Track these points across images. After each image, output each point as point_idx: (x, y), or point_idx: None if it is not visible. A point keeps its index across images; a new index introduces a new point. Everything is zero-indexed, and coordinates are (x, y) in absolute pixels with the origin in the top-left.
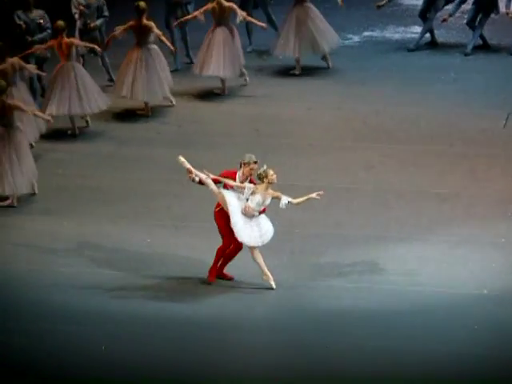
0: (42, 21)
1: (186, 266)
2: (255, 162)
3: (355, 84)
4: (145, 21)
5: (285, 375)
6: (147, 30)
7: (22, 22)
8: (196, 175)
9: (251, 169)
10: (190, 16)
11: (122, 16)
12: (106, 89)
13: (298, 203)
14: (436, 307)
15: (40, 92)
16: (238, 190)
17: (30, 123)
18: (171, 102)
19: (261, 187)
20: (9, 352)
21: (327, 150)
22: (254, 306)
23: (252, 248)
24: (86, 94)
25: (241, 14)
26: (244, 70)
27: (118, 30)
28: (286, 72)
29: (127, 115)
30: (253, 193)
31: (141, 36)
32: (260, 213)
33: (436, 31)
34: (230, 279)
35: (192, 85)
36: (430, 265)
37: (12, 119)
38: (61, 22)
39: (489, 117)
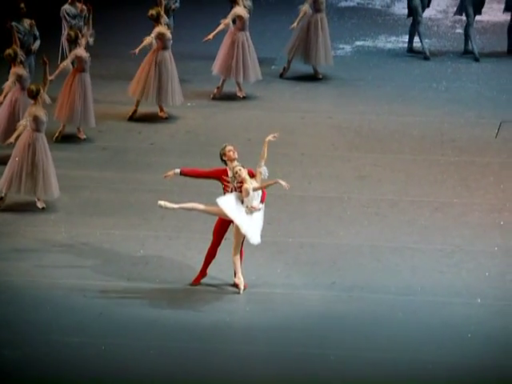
0: (33, 30)
1: (179, 277)
2: (228, 145)
3: (348, 93)
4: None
5: None
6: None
7: (21, 35)
8: (182, 208)
9: (230, 150)
10: None
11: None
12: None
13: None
14: (429, 316)
15: None
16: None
17: None
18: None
19: (244, 189)
20: (5, 363)
21: (320, 160)
22: (247, 316)
23: (236, 249)
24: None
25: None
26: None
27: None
28: (277, 81)
29: (119, 125)
30: (245, 196)
31: None
32: (262, 202)
33: (427, 40)
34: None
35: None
36: (423, 274)
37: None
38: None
39: (481, 126)
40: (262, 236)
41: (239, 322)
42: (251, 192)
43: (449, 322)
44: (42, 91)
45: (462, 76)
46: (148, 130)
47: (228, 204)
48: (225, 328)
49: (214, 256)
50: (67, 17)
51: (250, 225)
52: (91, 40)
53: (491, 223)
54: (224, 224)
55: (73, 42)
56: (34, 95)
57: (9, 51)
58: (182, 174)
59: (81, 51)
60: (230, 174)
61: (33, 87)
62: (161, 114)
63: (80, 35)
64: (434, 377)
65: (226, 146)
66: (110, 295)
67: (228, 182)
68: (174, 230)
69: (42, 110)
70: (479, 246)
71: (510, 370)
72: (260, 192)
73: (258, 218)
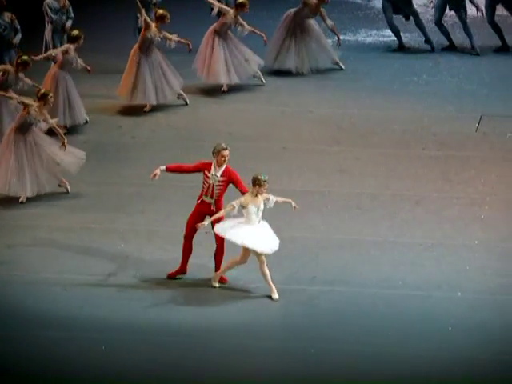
0: (14, 23)
1: (160, 271)
2: (225, 149)
3: (328, 87)
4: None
5: (256, 380)
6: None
7: (1, 29)
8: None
9: (222, 156)
10: None
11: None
12: None
13: (280, 202)
14: (410, 310)
15: None
16: (229, 210)
17: None
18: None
19: (248, 197)
20: None
21: (301, 154)
22: (226, 311)
23: (261, 258)
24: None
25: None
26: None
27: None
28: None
29: (100, 119)
30: (243, 207)
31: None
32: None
33: (408, 34)
34: (224, 281)
35: None
36: (403, 267)
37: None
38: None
39: (461, 120)
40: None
41: (218, 317)
42: (236, 206)
43: (429, 316)
44: (50, 98)
45: (443, 70)
46: (129, 124)
47: (222, 228)
48: (205, 323)
49: (191, 251)
50: (49, 11)
51: (255, 237)
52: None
53: (472, 217)
54: (198, 218)
55: (72, 41)
56: (39, 97)
57: (25, 58)
58: (167, 170)
59: (72, 49)
60: (212, 170)
61: (43, 91)
62: (146, 107)
63: (82, 38)
64: (415, 370)
65: (222, 149)
66: (90, 289)
67: (208, 178)
68: (155, 224)
69: (38, 114)
70: (459, 239)
71: (489, 362)
72: (261, 207)
73: (264, 226)
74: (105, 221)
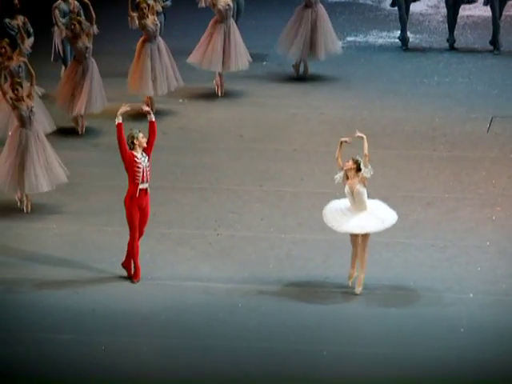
0: (27, 26)
1: (171, 273)
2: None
3: (339, 89)
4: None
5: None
6: None
7: (13, 32)
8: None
9: (143, 137)
10: None
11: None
12: None
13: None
14: (421, 311)
15: None
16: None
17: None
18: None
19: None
20: None
21: (312, 156)
22: (239, 312)
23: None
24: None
25: None
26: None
27: None
28: (269, 77)
29: (110, 122)
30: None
31: None
32: None
33: (419, 35)
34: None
35: (176, 91)
36: (415, 269)
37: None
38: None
39: (472, 121)
40: (258, 231)
41: (230, 318)
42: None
43: (441, 317)
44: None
45: (454, 71)
46: (139, 127)
47: (328, 217)
48: (217, 324)
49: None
50: (59, 14)
51: (348, 221)
52: (95, 28)
53: (483, 218)
54: (138, 213)
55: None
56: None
57: None
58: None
59: (80, 42)
60: (138, 154)
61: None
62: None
63: (82, 27)
64: (427, 371)
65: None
66: (102, 292)
67: (139, 163)
68: (166, 227)
69: (23, 104)
70: (471, 240)
71: (501, 363)
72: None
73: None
74: (116, 223)
